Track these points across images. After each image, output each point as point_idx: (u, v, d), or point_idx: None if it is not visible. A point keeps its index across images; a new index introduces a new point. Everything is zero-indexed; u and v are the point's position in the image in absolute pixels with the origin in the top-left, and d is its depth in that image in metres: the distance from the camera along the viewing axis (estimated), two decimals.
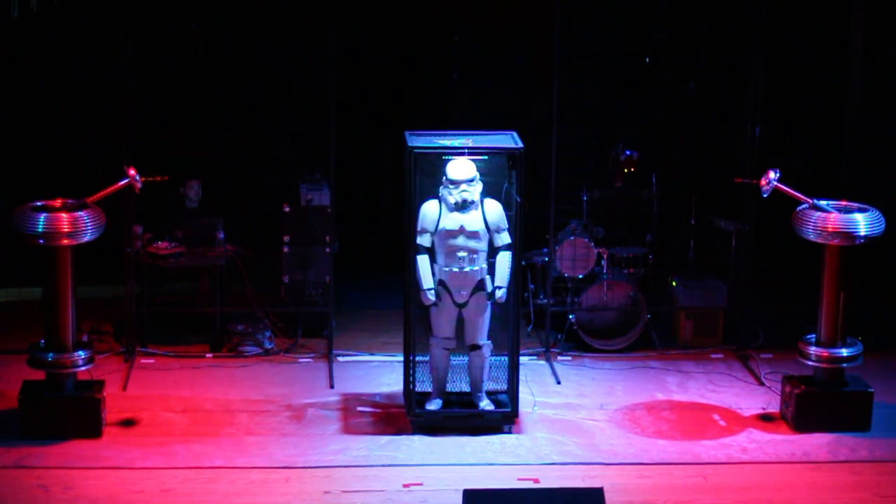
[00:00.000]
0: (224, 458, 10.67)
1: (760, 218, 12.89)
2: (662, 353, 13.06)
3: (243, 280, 12.87)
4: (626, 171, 13.52)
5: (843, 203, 11.38)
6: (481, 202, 11.01)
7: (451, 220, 10.99)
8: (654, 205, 13.51)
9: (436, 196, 11.04)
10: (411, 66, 14.75)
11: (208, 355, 12.77)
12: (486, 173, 11.06)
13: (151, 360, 12.60)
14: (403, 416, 11.38)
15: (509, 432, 11.20)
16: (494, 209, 11.04)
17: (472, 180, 10.94)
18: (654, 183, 13.45)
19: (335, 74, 12.41)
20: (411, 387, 11.31)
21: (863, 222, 11.14)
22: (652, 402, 11.95)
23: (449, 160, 10.96)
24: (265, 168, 13.09)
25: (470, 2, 14.77)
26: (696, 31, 14.21)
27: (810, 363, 11.45)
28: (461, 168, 10.93)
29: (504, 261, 11.05)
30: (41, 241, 10.80)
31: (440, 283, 11.07)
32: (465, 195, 10.91)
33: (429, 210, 11.03)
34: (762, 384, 12.32)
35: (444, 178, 10.97)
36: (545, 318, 13.00)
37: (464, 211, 10.97)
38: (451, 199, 10.93)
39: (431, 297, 11.05)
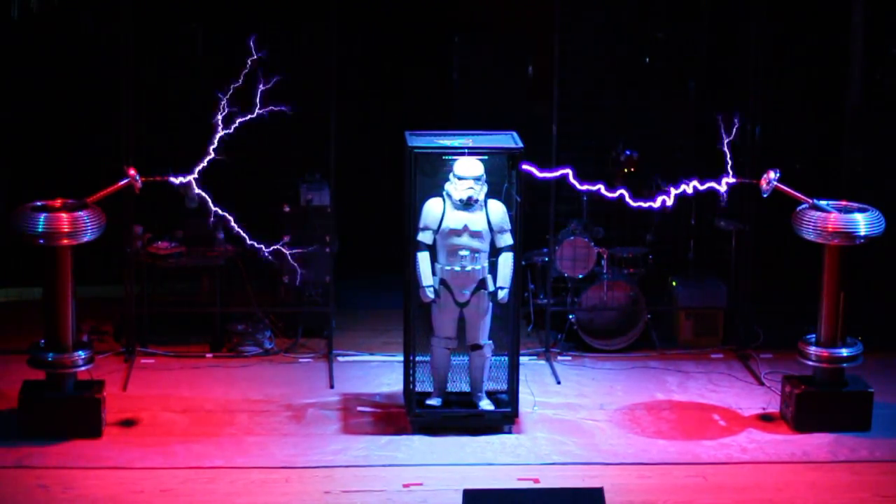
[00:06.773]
0: (224, 458, 10.67)
1: (760, 218, 12.88)
2: (662, 353, 13.06)
3: (243, 280, 12.87)
4: (626, 171, 13.50)
5: (843, 203, 11.38)
6: (485, 203, 11.01)
7: (455, 219, 10.98)
8: None
9: (439, 194, 11.05)
10: (411, 66, 14.74)
11: (208, 355, 12.77)
12: (485, 173, 11.05)
13: (151, 360, 12.60)
14: (403, 416, 11.38)
15: (509, 432, 11.20)
16: (498, 210, 11.04)
17: (478, 178, 10.94)
18: (653, 183, 13.44)
19: (335, 74, 12.41)
20: (411, 387, 11.31)
21: (863, 222, 11.14)
22: (652, 402, 11.95)
23: (453, 160, 10.98)
24: (265, 168, 13.07)
25: (470, 2, 14.76)
26: (696, 31, 14.20)
27: (810, 363, 11.45)
28: (469, 165, 10.94)
29: (506, 262, 11.05)
30: (41, 241, 10.79)
31: (441, 282, 11.07)
32: (471, 192, 10.90)
33: (432, 207, 11.03)
34: (762, 384, 12.32)
35: (452, 174, 10.98)
36: (545, 318, 13.00)
37: (468, 209, 10.96)
38: (456, 195, 10.93)
39: (430, 294, 11.04)
